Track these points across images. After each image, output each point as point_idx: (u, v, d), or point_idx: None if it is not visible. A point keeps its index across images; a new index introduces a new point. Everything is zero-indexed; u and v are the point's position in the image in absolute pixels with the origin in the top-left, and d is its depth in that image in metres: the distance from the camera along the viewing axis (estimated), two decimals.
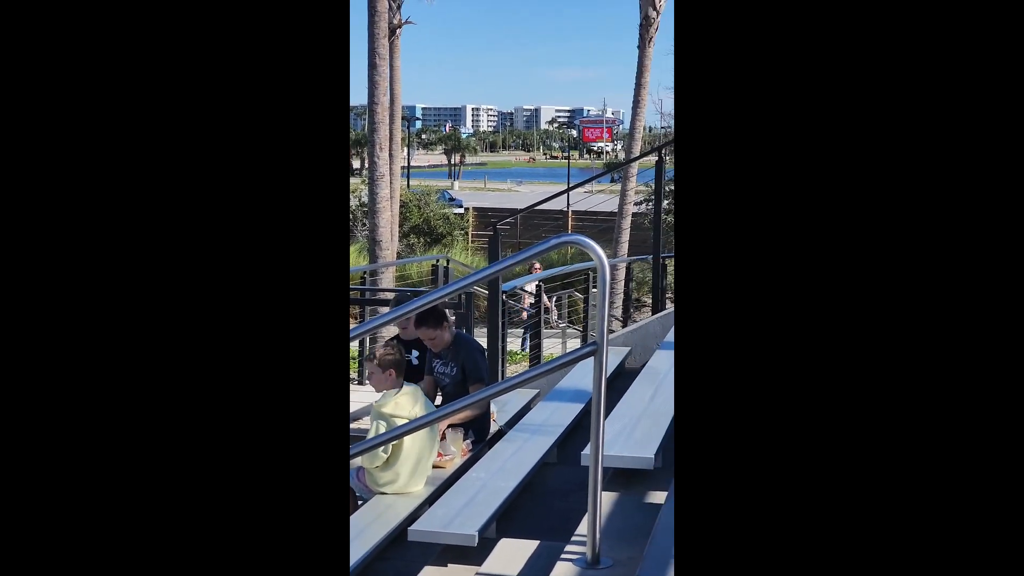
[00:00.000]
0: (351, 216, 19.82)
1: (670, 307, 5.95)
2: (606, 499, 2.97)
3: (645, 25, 15.19)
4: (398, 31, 16.27)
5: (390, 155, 13.64)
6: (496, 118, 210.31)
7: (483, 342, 5.08)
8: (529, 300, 10.24)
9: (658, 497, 2.92)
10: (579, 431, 4.17)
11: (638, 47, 15.36)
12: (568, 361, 2.61)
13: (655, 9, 15.03)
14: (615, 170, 24.36)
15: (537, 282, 9.44)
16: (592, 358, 2.33)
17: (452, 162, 74.84)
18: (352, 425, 5.47)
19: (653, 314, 6.10)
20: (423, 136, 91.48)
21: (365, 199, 15.10)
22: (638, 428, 3.34)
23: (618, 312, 11.01)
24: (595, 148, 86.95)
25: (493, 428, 4.58)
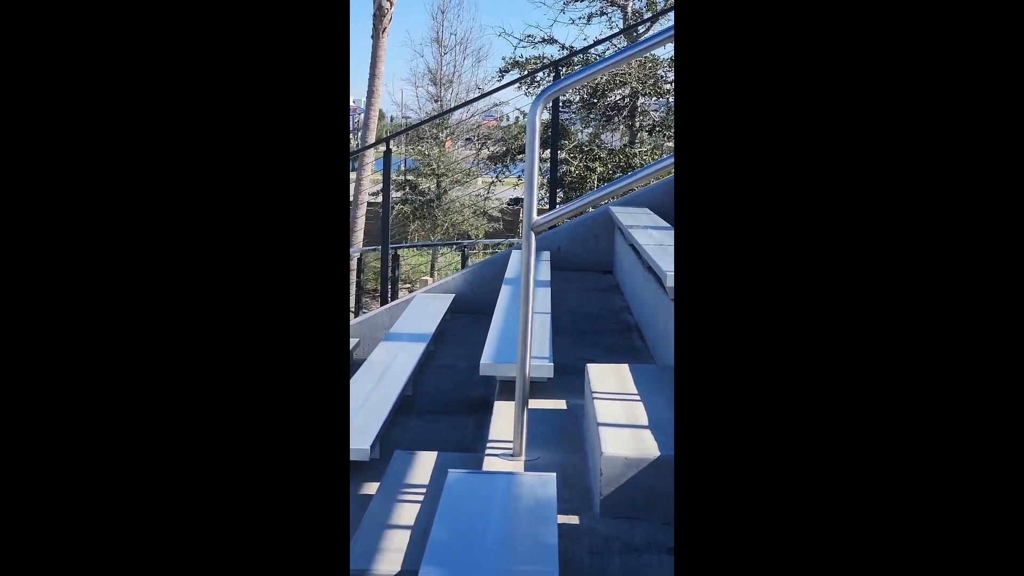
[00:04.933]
0: None
1: (403, 296, 6.00)
2: None
3: (379, 16, 15.20)
4: None
5: None
6: None
7: None
8: None
9: (372, 488, 2.97)
10: None
11: (372, 37, 15.35)
12: None
13: (388, 0, 15.08)
14: (351, 158, 24.16)
15: None
16: None
17: None
18: None
19: (382, 305, 6.16)
20: None
21: None
22: (356, 419, 3.39)
23: (352, 302, 11.02)
24: None
25: None
